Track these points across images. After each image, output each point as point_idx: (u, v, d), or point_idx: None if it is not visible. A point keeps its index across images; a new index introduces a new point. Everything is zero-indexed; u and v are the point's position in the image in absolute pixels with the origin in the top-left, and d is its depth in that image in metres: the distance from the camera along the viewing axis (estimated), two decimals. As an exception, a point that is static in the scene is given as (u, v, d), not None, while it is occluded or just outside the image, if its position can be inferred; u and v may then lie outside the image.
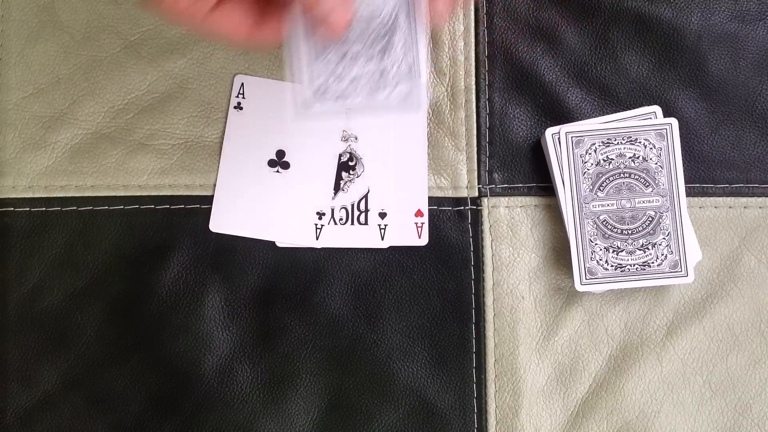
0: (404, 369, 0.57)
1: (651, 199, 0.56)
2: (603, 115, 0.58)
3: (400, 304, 0.57)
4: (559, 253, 0.58)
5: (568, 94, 0.59)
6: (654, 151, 0.56)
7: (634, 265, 0.55)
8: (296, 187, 0.58)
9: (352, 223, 0.58)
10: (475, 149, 0.59)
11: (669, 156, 0.56)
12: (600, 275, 0.55)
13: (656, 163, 0.56)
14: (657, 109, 0.57)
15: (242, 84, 0.59)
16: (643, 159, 0.56)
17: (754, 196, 0.58)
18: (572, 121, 0.58)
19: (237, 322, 0.57)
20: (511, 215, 0.58)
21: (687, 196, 0.57)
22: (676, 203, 0.56)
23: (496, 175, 0.58)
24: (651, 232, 0.56)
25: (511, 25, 0.59)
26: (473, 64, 0.59)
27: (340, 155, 0.58)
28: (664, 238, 0.56)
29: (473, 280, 0.57)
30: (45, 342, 0.57)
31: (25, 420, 0.56)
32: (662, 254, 0.55)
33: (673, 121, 0.56)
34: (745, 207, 0.58)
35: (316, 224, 0.57)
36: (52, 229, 0.58)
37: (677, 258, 0.55)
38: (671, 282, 0.55)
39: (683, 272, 0.55)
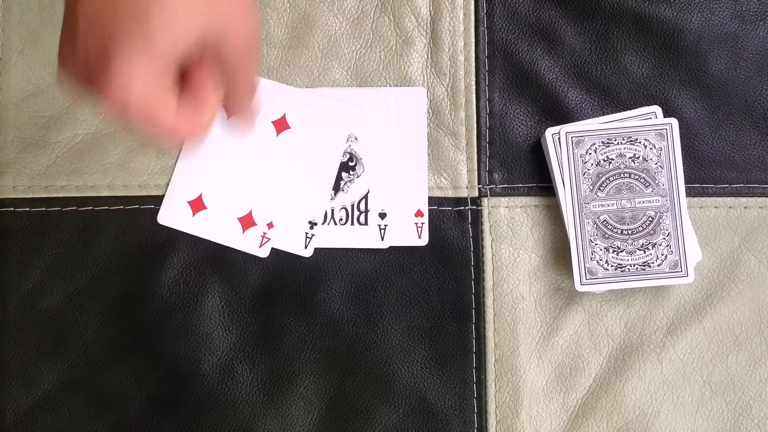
0: (404, 369, 0.57)
1: (651, 199, 0.56)
2: (603, 115, 0.58)
3: (400, 304, 0.57)
4: (559, 253, 0.58)
5: (568, 94, 0.59)
6: (654, 151, 0.56)
7: (634, 265, 0.55)
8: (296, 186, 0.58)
9: (352, 224, 0.58)
10: (475, 149, 0.59)
11: (669, 156, 0.56)
12: (600, 275, 0.55)
13: (656, 163, 0.56)
14: (657, 109, 0.57)
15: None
16: (643, 159, 0.56)
17: (754, 196, 0.58)
18: (572, 121, 0.58)
19: (237, 322, 0.57)
20: (511, 215, 0.58)
21: (687, 196, 0.57)
22: (676, 203, 0.56)
23: (496, 175, 0.58)
24: (651, 232, 0.56)
25: (511, 25, 0.59)
26: (473, 64, 0.59)
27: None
28: (664, 238, 0.55)
29: (473, 280, 0.57)
30: (45, 342, 0.57)
31: (25, 420, 0.56)
32: (662, 254, 0.55)
33: (673, 121, 0.56)
34: (745, 207, 0.58)
35: (306, 233, 0.57)
36: (52, 229, 0.58)
37: (677, 258, 0.55)
38: (671, 282, 0.55)
39: (683, 272, 0.55)
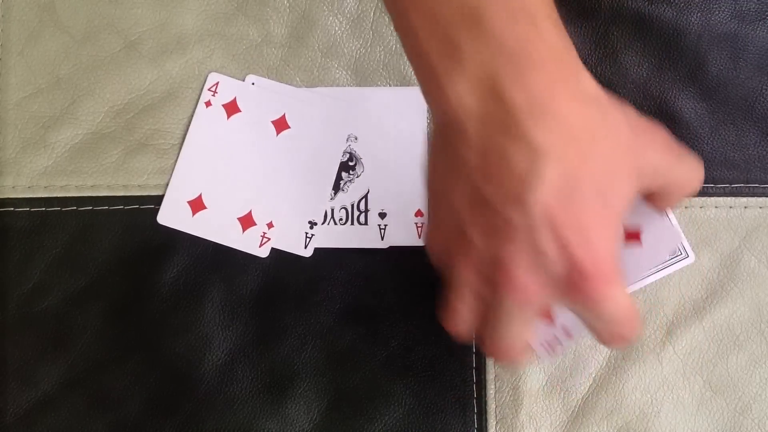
0: (404, 369, 0.57)
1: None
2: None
3: (400, 304, 0.57)
4: (559, 253, 0.57)
5: (568, 94, 0.58)
6: None
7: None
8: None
9: (352, 223, 0.58)
10: (475, 149, 0.58)
11: None
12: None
13: None
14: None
15: (253, 82, 0.59)
16: None
17: (754, 196, 0.58)
18: (572, 121, 0.58)
19: (237, 322, 0.57)
20: (511, 215, 0.58)
21: (687, 196, 0.57)
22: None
23: (496, 175, 0.58)
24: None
25: (511, 25, 0.59)
26: (473, 64, 0.59)
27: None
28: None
29: (473, 280, 0.57)
30: (45, 342, 0.57)
31: (25, 420, 0.56)
32: None
33: None
34: (745, 207, 0.58)
35: (306, 233, 0.57)
36: (52, 229, 0.58)
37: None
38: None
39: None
